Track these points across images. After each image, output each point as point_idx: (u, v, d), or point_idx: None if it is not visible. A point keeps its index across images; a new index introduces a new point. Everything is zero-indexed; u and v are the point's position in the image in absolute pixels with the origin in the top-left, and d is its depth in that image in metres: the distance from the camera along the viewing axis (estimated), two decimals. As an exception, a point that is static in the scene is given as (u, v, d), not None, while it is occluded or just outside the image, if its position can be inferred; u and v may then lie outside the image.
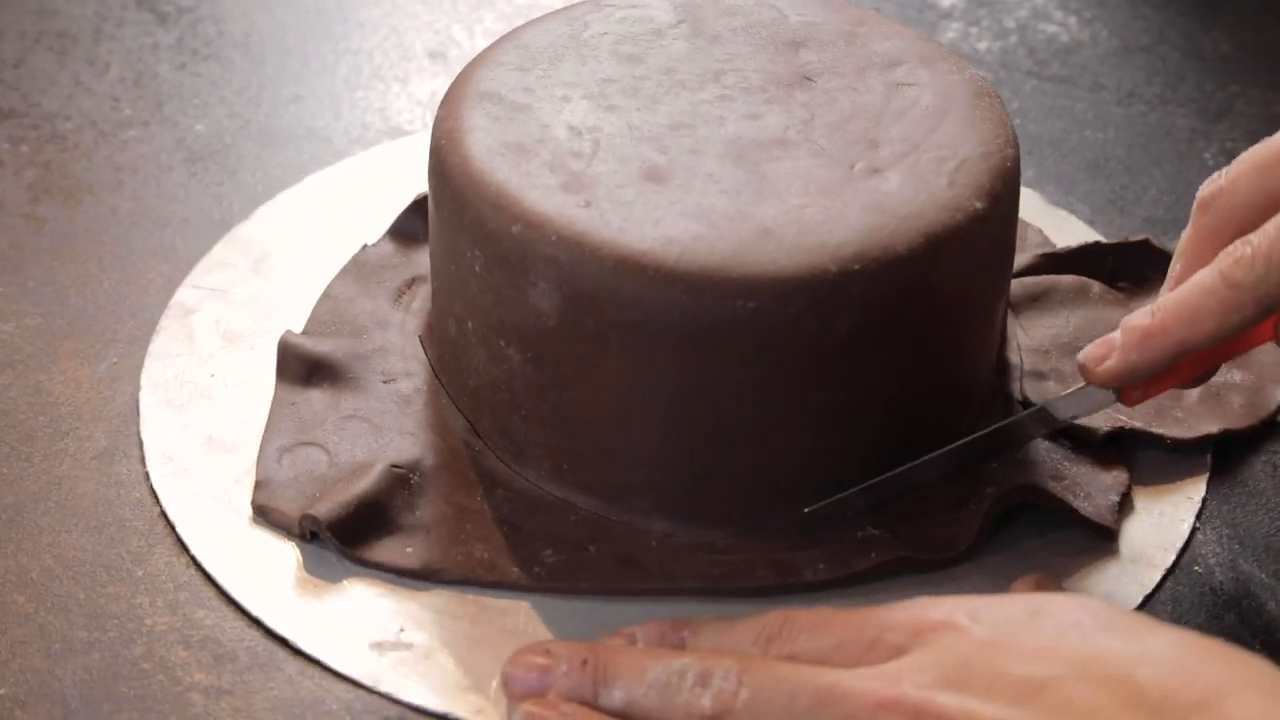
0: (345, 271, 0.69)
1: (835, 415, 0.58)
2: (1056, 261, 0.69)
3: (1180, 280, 0.56)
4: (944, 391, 0.61)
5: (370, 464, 0.60)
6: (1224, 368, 0.62)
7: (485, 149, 0.59)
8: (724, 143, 0.59)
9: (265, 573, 0.58)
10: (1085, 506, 0.60)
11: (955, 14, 0.87)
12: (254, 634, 0.56)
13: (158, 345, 0.66)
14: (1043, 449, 0.62)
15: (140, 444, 0.62)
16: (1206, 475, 0.63)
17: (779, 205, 0.57)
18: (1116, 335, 0.56)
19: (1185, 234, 0.56)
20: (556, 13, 0.65)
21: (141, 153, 0.76)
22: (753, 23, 0.65)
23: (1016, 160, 0.60)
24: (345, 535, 0.58)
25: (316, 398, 0.63)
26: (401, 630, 0.56)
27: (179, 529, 0.59)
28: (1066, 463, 0.61)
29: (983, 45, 0.85)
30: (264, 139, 0.77)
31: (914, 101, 0.61)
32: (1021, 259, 0.68)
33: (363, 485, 0.59)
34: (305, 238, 0.71)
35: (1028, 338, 0.66)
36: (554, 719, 0.51)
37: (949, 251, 0.57)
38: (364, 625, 0.57)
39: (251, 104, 0.79)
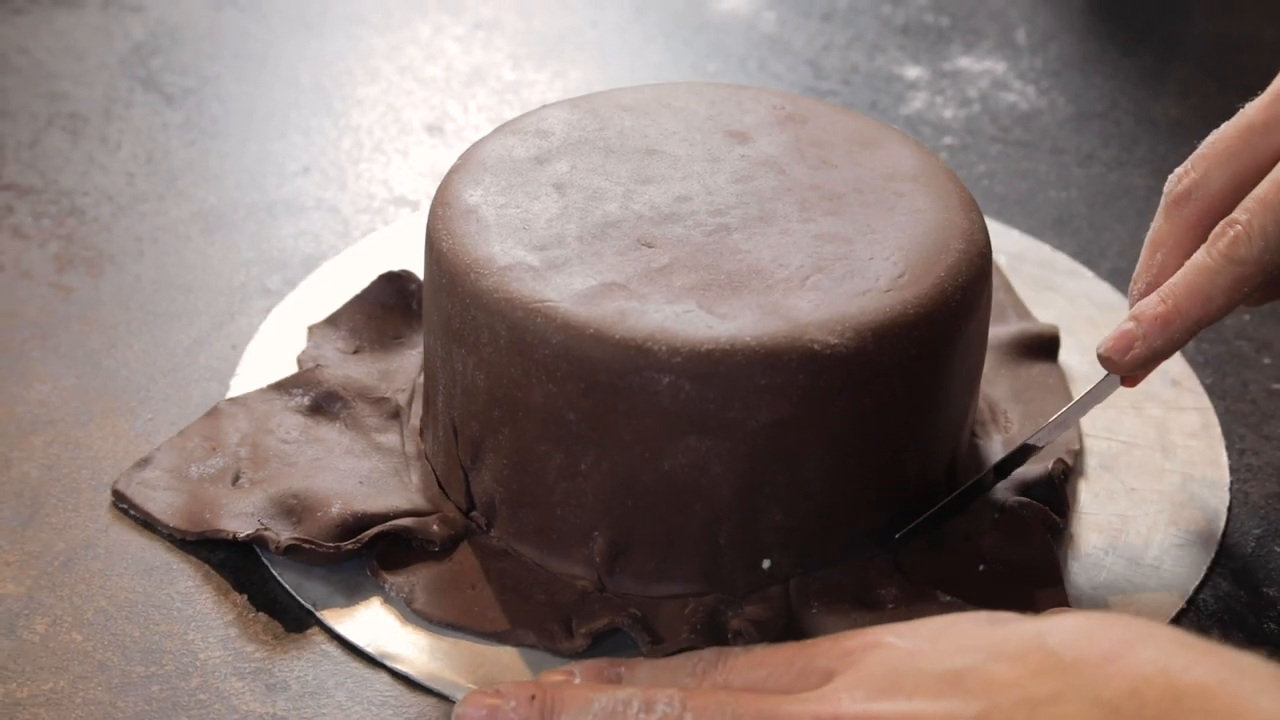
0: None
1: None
2: None
3: (1167, 268, 0.61)
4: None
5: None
6: None
7: None
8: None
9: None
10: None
11: (921, 85, 0.92)
12: (303, 664, 0.59)
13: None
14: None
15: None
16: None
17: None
18: (1131, 325, 0.60)
19: (1159, 227, 0.62)
20: None
21: (159, 224, 0.80)
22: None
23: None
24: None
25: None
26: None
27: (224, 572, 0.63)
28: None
29: (948, 114, 0.90)
30: (276, 209, 0.81)
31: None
32: None
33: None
34: None
35: None
36: None
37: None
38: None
39: (260, 177, 0.83)
